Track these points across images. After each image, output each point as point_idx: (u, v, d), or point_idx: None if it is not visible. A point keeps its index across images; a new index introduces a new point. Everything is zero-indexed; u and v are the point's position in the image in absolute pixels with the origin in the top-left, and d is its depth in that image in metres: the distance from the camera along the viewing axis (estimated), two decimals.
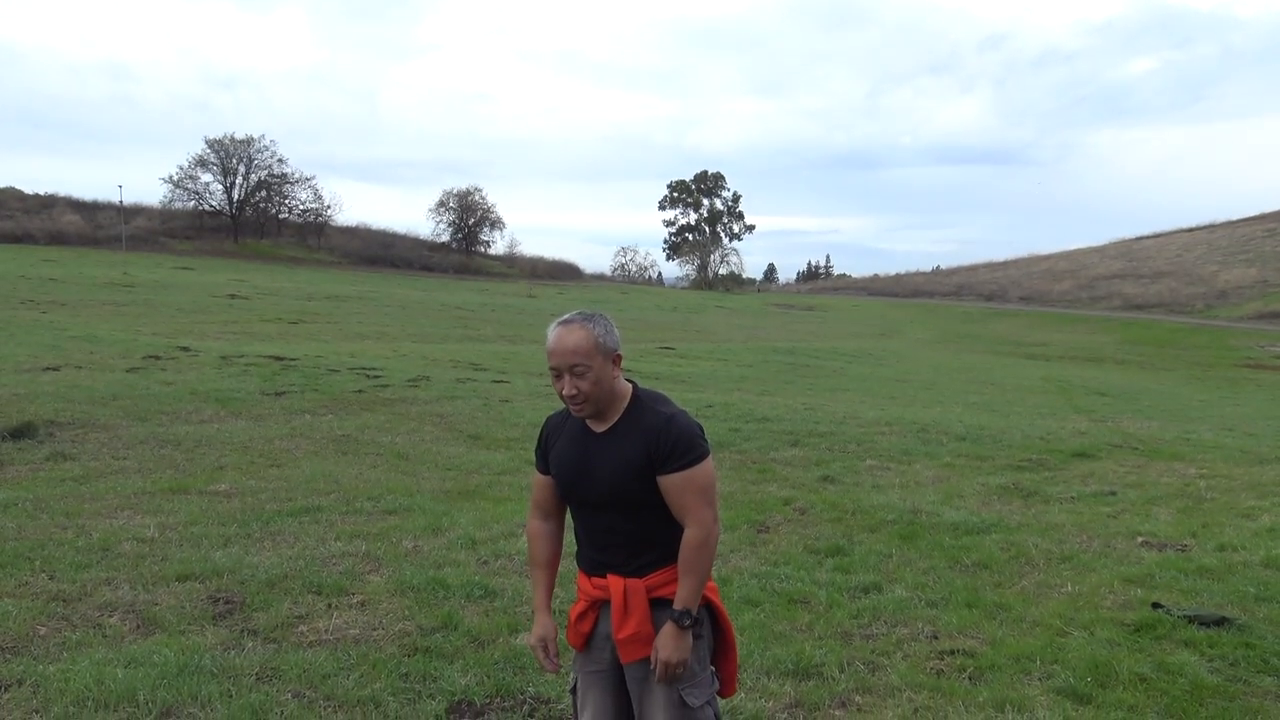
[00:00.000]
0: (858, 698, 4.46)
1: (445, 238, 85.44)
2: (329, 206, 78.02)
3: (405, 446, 11.55)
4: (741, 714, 4.19)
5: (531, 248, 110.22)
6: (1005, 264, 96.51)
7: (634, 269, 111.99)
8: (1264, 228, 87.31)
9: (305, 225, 76.37)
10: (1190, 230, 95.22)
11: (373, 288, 53.71)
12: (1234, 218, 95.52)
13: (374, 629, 5.09)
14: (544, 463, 3.12)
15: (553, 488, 3.10)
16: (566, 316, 2.94)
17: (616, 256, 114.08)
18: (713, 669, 3.05)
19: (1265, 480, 12.00)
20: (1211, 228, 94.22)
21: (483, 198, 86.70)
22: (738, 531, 7.83)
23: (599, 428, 2.98)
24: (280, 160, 75.27)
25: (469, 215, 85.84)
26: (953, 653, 5.07)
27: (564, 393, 2.89)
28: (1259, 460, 14.18)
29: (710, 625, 3.05)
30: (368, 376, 17.63)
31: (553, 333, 2.91)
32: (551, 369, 2.91)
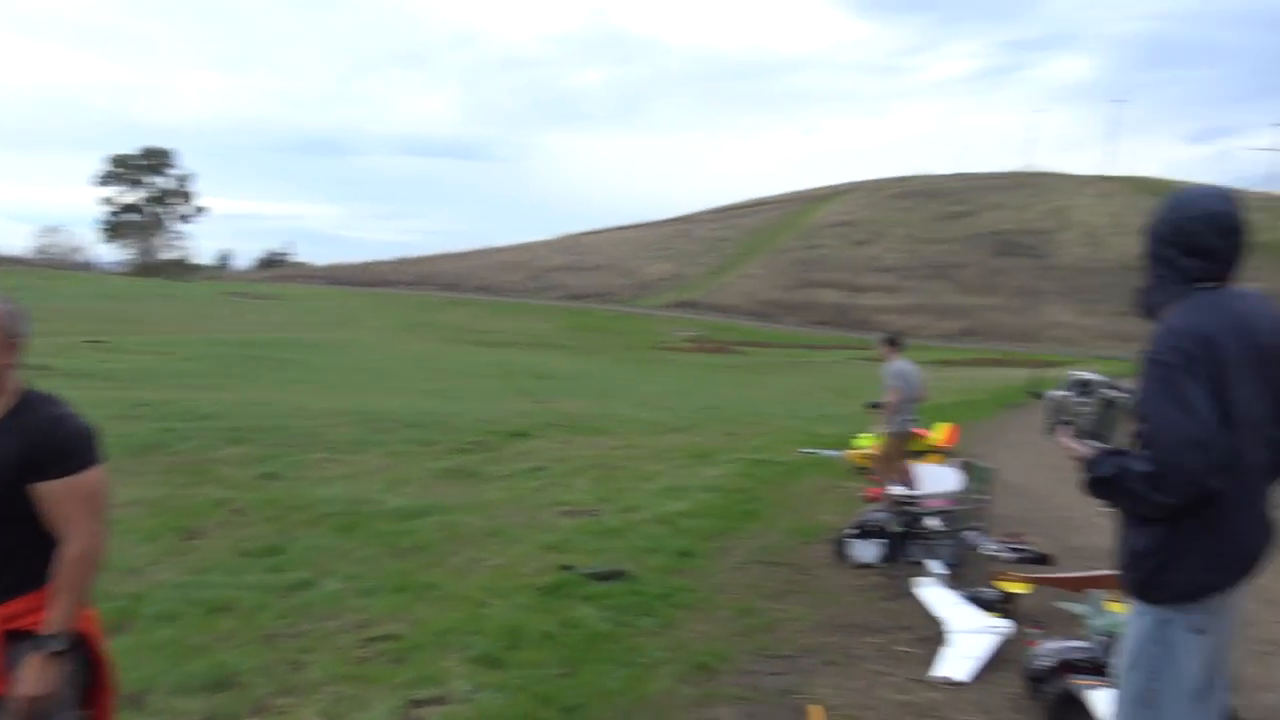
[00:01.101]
0: (277, 701, 4.38)
1: None
2: None
3: None
4: None
5: None
6: (464, 255, 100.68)
7: (61, 251, 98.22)
8: (678, 228, 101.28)
9: None
10: (624, 229, 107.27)
11: None
12: (657, 219, 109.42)
13: None
14: None
15: None
16: None
17: (40, 237, 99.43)
18: (82, 715, 2.76)
19: (667, 447, 13.98)
20: (640, 227, 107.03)
21: None
22: (159, 542, 7.25)
23: None
24: None
25: None
26: (380, 638, 5.20)
27: None
28: (665, 430, 16.47)
29: (82, 662, 2.74)
30: None
31: None
32: None
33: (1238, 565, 2.68)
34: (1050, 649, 4.60)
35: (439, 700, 4.47)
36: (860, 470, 12.01)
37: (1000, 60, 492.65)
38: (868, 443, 12.60)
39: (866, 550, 7.37)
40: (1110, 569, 5.82)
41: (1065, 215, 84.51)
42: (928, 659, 5.21)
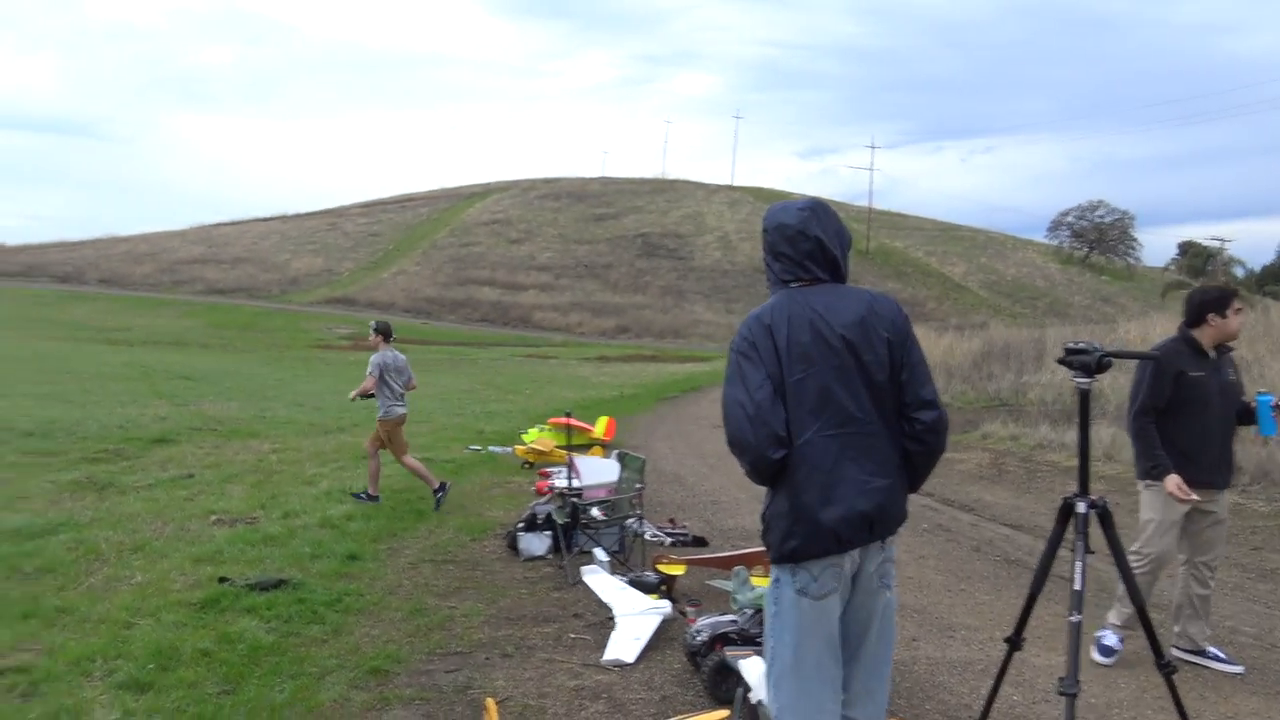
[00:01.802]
0: None
1: None
2: None
3: None
4: None
5: None
6: (81, 244, 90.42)
7: None
8: (327, 221, 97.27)
9: None
10: (266, 220, 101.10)
11: None
12: (303, 211, 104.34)
13: None
14: None
15: None
16: None
17: None
18: None
19: (327, 449, 13.48)
20: (284, 219, 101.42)
21: None
22: None
23: None
24: None
25: None
26: (3, 672, 4.64)
27: None
28: (324, 431, 15.85)
29: None
30: None
31: None
32: None
33: (818, 532, 2.92)
34: (704, 624, 5.02)
35: None
36: (528, 465, 12.28)
37: (634, 71, 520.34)
38: (534, 437, 12.92)
39: (535, 543, 7.58)
40: (755, 548, 6.44)
41: (701, 220, 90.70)
42: (599, 644, 5.47)
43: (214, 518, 8.60)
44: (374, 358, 9.56)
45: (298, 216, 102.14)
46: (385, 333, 9.80)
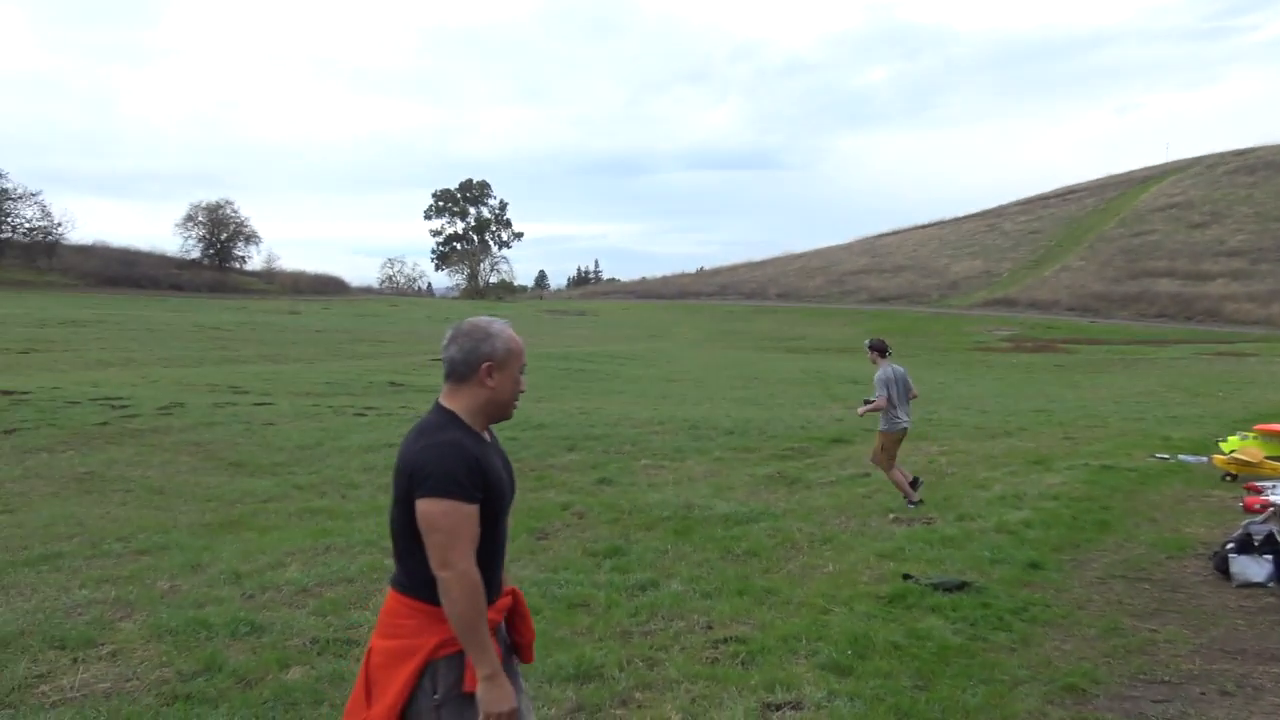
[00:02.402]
0: (638, 694, 4.55)
1: (195, 254, 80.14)
2: (59, 224, 71.35)
3: (159, 480, 10.77)
4: None
5: (293, 262, 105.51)
6: (763, 263, 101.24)
7: (402, 280, 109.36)
8: (985, 223, 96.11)
9: (33, 245, 69.43)
10: (924, 227, 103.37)
11: (115, 310, 49.66)
12: (960, 214, 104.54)
13: (127, 680, 4.71)
14: (481, 490, 2.63)
15: (477, 517, 2.63)
16: (503, 319, 2.87)
17: (384, 268, 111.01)
18: None
19: (996, 453, 13.23)
20: (941, 224, 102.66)
21: (234, 210, 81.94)
22: (517, 541, 7.80)
23: (485, 434, 2.82)
24: None
25: (220, 230, 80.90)
26: (726, 640, 5.27)
27: (522, 389, 2.84)
28: (990, 435, 15.62)
29: None
30: (113, 407, 16.29)
31: (509, 330, 2.83)
32: (519, 366, 2.81)
33: None
34: None
35: (794, 705, 4.44)
36: (1230, 478, 10.75)
37: None
38: (1236, 445, 11.29)
39: (1254, 567, 6.54)
40: None
41: None
42: None
43: (892, 515, 8.93)
44: (877, 375, 9.63)
45: (955, 220, 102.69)
46: (881, 349, 9.90)
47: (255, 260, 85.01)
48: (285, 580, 6.50)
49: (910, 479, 9.53)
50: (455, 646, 2.58)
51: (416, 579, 2.64)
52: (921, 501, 9.41)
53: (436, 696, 2.58)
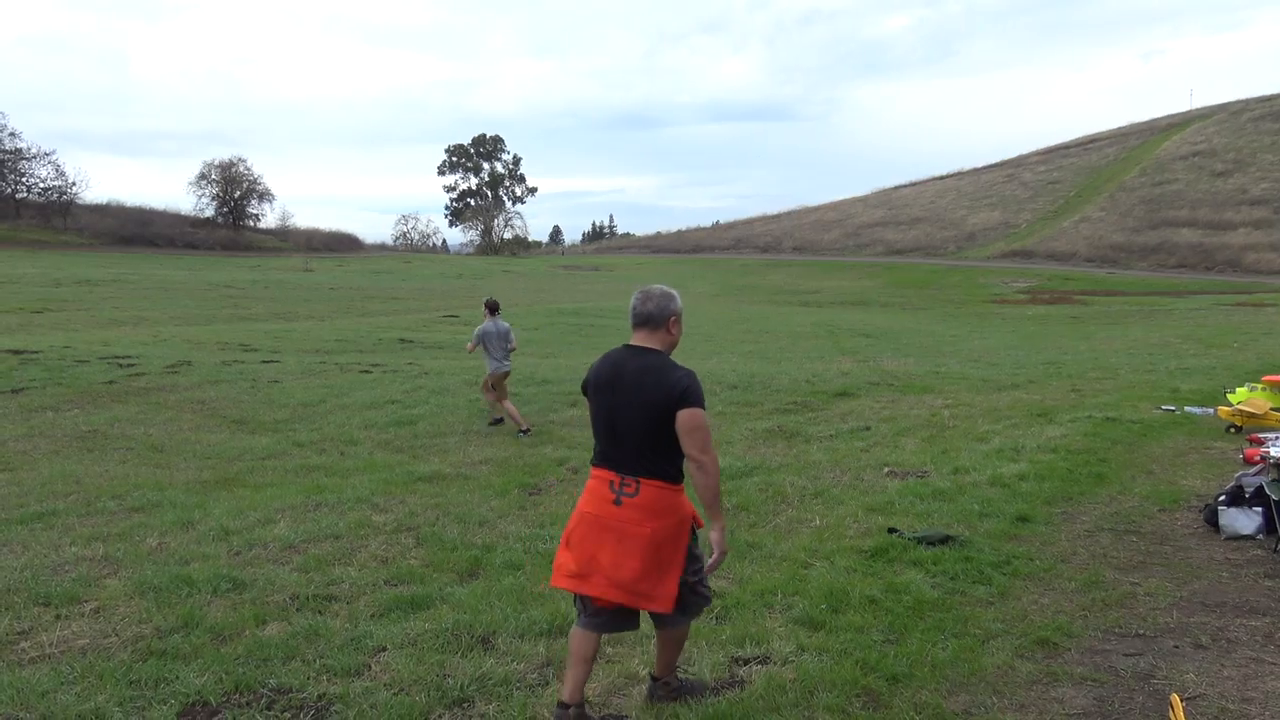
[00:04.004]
0: (609, 649, 4.57)
1: (209, 213, 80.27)
2: (74, 184, 71.64)
3: (160, 438, 10.86)
4: (491, 679, 4.21)
5: (307, 219, 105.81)
6: (779, 216, 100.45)
7: (416, 237, 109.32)
8: (1004, 173, 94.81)
9: (48, 205, 69.72)
10: (942, 178, 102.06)
11: (129, 269, 49.92)
12: (979, 165, 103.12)
13: (106, 636, 4.77)
14: None
15: None
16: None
17: (398, 225, 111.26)
18: None
19: (1000, 406, 13.14)
20: (959, 175, 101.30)
21: (248, 168, 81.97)
22: (508, 497, 7.84)
23: None
24: (12, 134, 68.44)
25: (234, 188, 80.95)
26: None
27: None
28: (997, 388, 15.51)
29: None
30: (121, 365, 16.41)
31: (679, 296, 3.93)
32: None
33: None
34: None
35: (761, 659, 4.45)
36: (1235, 429, 10.65)
37: None
38: (1244, 397, 11.18)
39: (1243, 519, 6.48)
40: None
41: None
42: None
43: (886, 469, 8.89)
44: (477, 328, 11.80)
45: (974, 171, 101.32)
46: (492, 308, 12.18)
47: (269, 218, 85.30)
48: (273, 537, 6.56)
49: (524, 427, 11.33)
50: (695, 515, 3.86)
51: (672, 471, 3.74)
52: (529, 430, 11.29)
53: (694, 538, 3.85)
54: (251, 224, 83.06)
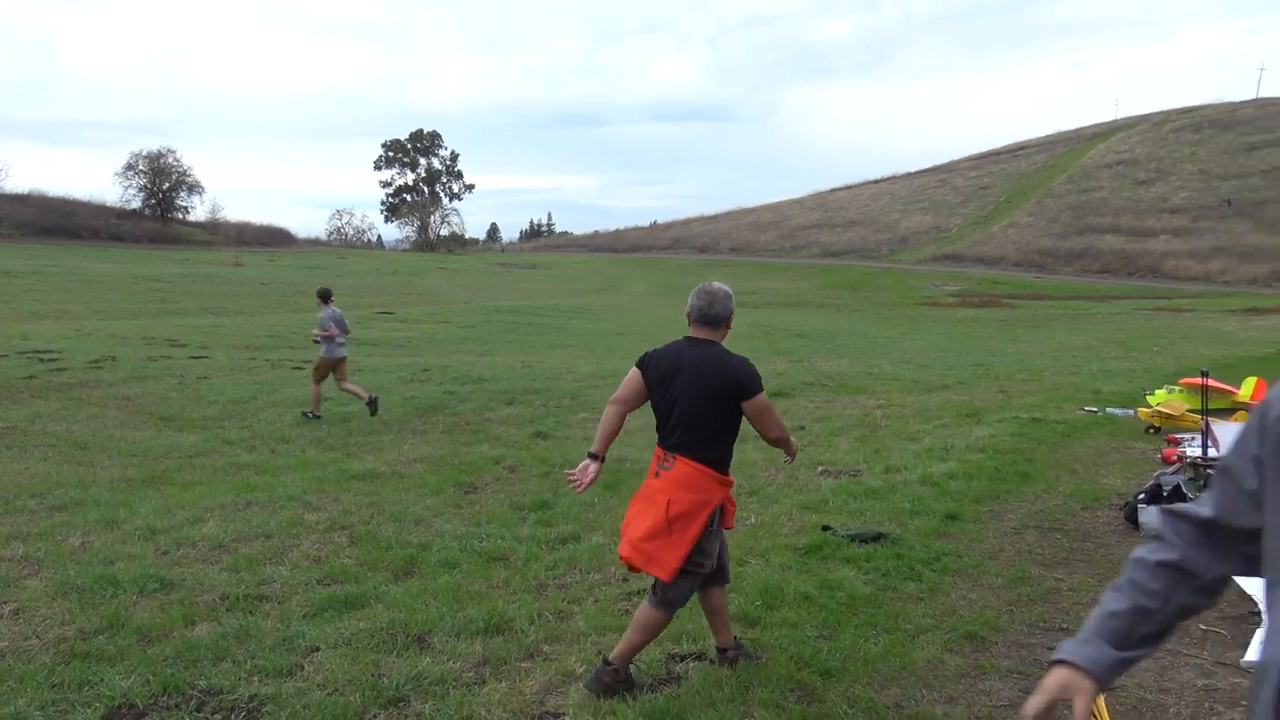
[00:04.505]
0: (545, 647, 4.57)
1: (136, 204, 78.25)
2: None
3: (83, 435, 10.56)
4: (427, 678, 4.18)
5: (238, 213, 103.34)
6: (716, 217, 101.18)
7: (351, 232, 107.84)
8: (936, 178, 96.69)
9: None
10: (876, 182, 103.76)
11: (51, 261, 48.40)
12: (912, 169, 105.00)
13: (26, 639, 4.63)
14: None
15: None
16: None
17: (332, 220, 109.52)
18: None
19: (931, 406, 13.41)
20: (893, 179, 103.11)
21: (178, 160, 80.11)
22: (443, 495, 7.78)
23: None
24: None
25: (162, 179, 79.01)
26: (640, 592, 5.30)
27: None
28: (928, 389, 15.81)
29: None
30: (41, 360, 15.94)
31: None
32: None
33: None
34: None
35: (697, 656, 4.50)
36: (1153, 430, 11.01)
37: None
38: (1162, 399, 11.54)
39: None
40: None
41: None
42: (1237, 641, 4.66)
43: (821, 468, 9.02)
44: (324, 314, 12.11)
45: (908, 175, 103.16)
46: (324, 297, 12.54)
47: (199, 211, 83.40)
48: (201, 536, 6.42)
49: (368, 398, 11.86)
50: (727, 500, 4.19)
51: (712, 456, 4.07)
52: (319, 417, 11.75)
53: (712, 527, 4.08)
54: (180, 217, 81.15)
